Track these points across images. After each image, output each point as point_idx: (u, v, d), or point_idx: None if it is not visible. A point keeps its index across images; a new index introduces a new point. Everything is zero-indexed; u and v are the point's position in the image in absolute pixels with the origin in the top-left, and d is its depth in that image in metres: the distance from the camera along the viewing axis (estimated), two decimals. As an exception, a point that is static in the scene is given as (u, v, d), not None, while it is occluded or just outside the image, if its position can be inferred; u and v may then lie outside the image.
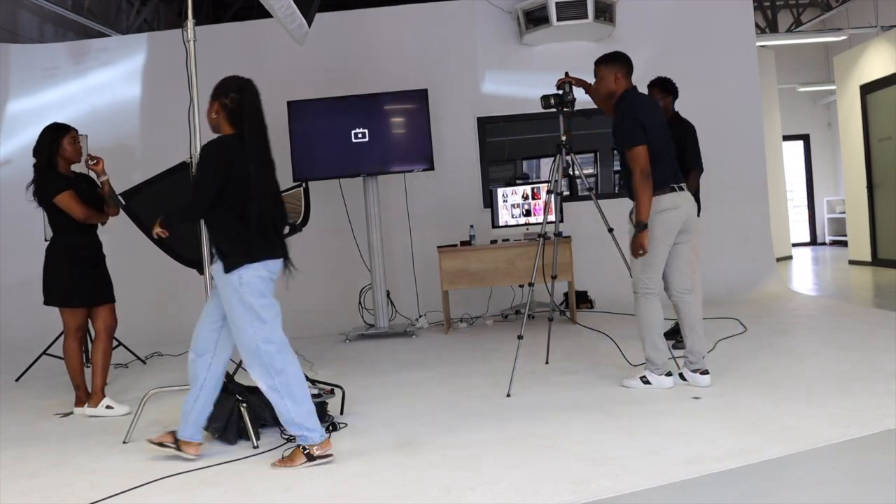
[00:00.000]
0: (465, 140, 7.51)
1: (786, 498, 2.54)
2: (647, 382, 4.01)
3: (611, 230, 4.52)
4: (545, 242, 4.57)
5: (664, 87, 5.10)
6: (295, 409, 3.13)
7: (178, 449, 3.28)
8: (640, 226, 3.85)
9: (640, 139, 3.91)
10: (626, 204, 4.17)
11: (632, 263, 4.06)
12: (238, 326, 3.17)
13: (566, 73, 4.59)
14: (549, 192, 4.61)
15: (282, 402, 3.14)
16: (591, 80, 4.30)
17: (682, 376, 4.06)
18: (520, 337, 4.30)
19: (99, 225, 4.42)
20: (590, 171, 8.33)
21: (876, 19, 9.22)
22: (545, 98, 4.61)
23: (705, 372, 3.99)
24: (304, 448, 3.11)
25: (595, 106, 4.40)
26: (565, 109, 4.60)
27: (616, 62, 4.12)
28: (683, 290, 4.07)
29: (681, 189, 4.01)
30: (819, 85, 12.12)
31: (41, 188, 4.22)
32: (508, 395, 4.03)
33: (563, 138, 4.59)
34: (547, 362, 4.77)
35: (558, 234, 4.73)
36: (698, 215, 4.47)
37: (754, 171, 7.55)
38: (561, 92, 4.56)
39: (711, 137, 7.49)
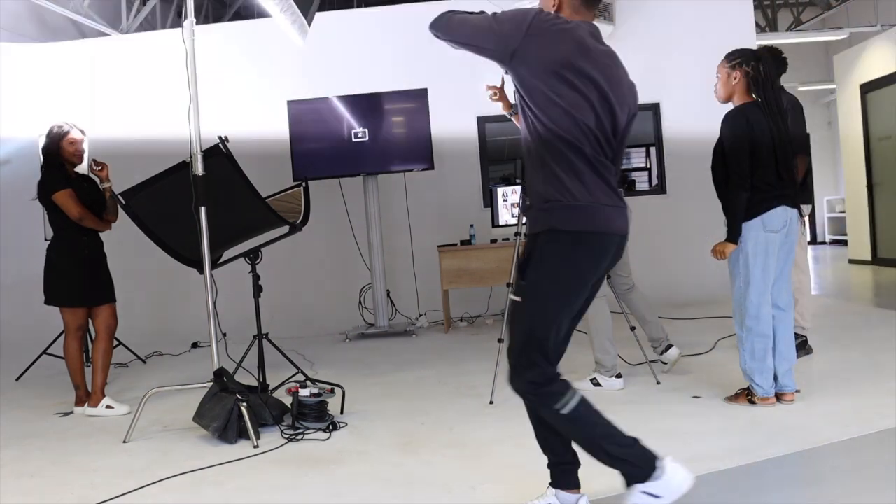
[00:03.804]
0: (465, 139, 7.50)
1: (786, 498, 2.54)
2: (596, 384, 4.04)
3: None
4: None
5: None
6: None
7: None
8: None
9: None
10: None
11: None
12: None
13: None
14: (524, 189, 4.40)
15: None
16: None
17: (662, 362, 4.30)
18: (500, 340, 4.13)
19: None
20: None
21: (876, 18, 9.22)
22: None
23: (670, 346, 4.28)
24: None
25: None
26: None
27: None
28: (624, 288, 4.30)
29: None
30: (819, 84, 12.11)
31: (42, 185, 4.23)
32: (491, 403, 3.91)
33: None
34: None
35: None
36: (813, 209, 4.49)
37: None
38: None
39: (712, 137, 7.46)
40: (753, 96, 3.46)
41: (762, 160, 3.38)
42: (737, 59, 3.47)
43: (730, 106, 3.55)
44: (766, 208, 3.38)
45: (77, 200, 4.20)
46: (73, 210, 4.18)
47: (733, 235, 3.43)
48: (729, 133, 3.44)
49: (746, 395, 3.53)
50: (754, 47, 4.88)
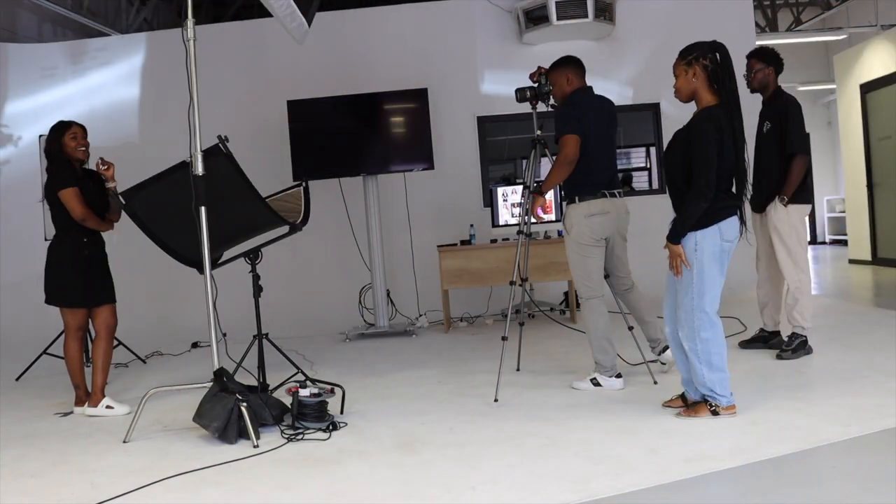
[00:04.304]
0: (465, 139, 7.51)
1: (786, 498, 2.54)
2: (597, 384, 4.04)
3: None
4: (522, 242, 4.43)
5: (762, 57, 4.62)
6: None
7: None
8: (538, 190, 4.13)
9: (572, 129, 3.97)
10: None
11: (573, 271, 4.16)
12: None
13: (538, 66, 4.36)
14: (525, 187, 4.38)
15: None
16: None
17: (660, 362, 4.30)
18: (504, 338, 4.21)
19: None
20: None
21: (876, 18, 9.23)
22: (520, 91, 4.35)
23: (667, 347, 4.19)
24: None
25: None
26: (540, 102, 4.35)
27: (565, 65, 4.17)
28: (623, 288, 4.28)
29: (613, 196, 4.07)
30: (819, 84, 12.11)
31: (49, 181, 4.23)
32: (496, 401, 3.93)
33: (538, 133, 4.40)
34: (518, 369, 4.64)
35: (529, 235, 4.62)
36: (813, 209, 4.47)
37: (754, 170, 7.55)
38: (536, 84, 4.33)
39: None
40: (715, 89, 3.31)
41: (726, 168, 3.26)
42: (692, 53, 3.31)
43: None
44: (725, 216, 3.27)
45: (82, 201, 4.20)
46: (76, 210, 4.18)
47: (677, 237, 3.27)
48: (701, 139, 3.24)
49: (709, 407, 3.35)
50: (754, 47, 4.89)
